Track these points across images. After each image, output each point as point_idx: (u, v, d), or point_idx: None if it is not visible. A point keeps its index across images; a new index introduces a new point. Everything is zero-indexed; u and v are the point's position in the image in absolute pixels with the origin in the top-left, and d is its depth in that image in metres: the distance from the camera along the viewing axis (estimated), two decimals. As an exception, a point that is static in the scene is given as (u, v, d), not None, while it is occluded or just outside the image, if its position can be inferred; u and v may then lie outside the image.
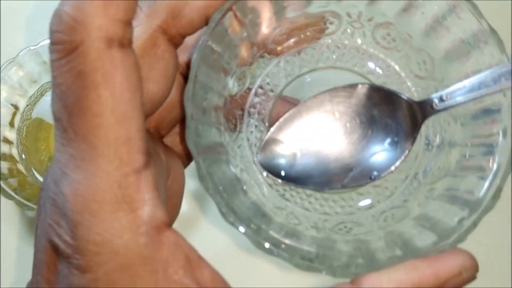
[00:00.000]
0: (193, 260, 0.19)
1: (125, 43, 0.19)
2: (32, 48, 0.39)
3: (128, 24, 0.19)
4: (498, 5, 0.43)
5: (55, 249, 0.19)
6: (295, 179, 0.26)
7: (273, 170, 0.26)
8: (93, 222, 0.18)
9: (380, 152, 0.26)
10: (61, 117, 0.18)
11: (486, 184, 0.22)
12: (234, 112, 0.27)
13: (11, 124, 0.39)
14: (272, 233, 0.22)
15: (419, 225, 0.24)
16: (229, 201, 0.22)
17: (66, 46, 0.18)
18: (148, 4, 0.22)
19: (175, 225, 0.40)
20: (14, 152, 0.39)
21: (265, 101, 0.28)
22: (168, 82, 0.23)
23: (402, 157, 0.26)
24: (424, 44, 0.26)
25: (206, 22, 0.23)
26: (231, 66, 0.26)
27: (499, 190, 0.22)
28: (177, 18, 0.22)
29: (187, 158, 0.26)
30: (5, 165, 0.38)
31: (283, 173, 0.26)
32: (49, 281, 0.19)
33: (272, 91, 0.28)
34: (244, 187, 0.25)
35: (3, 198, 0.37)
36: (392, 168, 0.26)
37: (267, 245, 0.21)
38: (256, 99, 0.28)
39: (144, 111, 0.22)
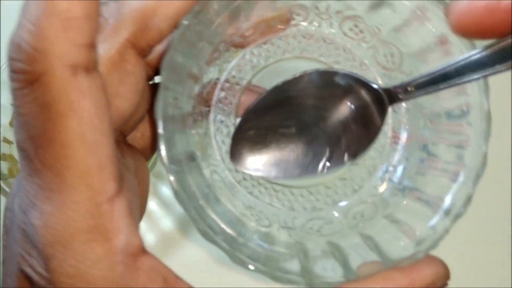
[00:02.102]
0: (170, 281, 0.18)
1: (91, 67, 0.17)
2: (32, 48, 0.39)
3: (91, 46, 0.17)
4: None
5: (28, 279, 0.18)
6: (268, 171, 0.25)
7: (244, 166, 0.25)
8: (66, 254, 0.17)
9: (350, 138, 0.25)
10: (27, 148, 0.17)
11: (455, 189, 0.21)
12: (200, 110, 0.26)
13: (11, 124, 0.38)
14: (250, 245, 0.21)
15: (390, 227, 0.23)
16: (204, 215, 0.21)
17: (27, 77, 0.16)
18: (115, 16, 0.20)
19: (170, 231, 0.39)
20: (14, 152, 0.38)
21: (231, 95, 0.26)
22: (138, 97, 0.21)
23: (374, 141, 0.24)
24: (392, 38, 0.25)
25: (175, 28, 0.21)
26: (201, 69, 0.25)
27: (469, 198, 0.21)
28: (145, 29, 0.20)
29: (150, 151, 0.24)
30: (5, 165, 0.37)
31: (255, 167, 0.25)
32: None
33: (238, 84, 0.26)
34: (216, 194, 0.24)
35: (3, 198, 0.36)
36: (364, 152, 0.25)
37: (249, 264, 0.20)
38: (222, 94, 0.26)
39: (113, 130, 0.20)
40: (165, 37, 0.21)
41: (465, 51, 0.22)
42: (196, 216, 0.20)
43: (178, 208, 0.42)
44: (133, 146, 0.24)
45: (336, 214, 0.26)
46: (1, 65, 0.38)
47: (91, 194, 0.17)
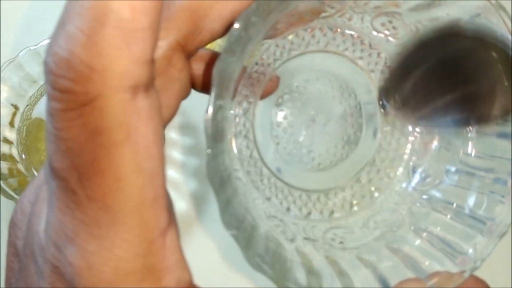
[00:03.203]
0: None
1: (149, 85, 0.14)
2: (32, 48, 0.37)
3: (152, 60, 0.14)
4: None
5: None
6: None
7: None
8: None
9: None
10: (68, 178, 0.14)
11: (501, 209, 0.20)
12: None
13: (11, 124, 0.38)
14: (293, 269, 0.19)
15: (423, 242, 0.22)
16: (253, 241, 0.19)
17: (77, 98, 0.13)
18: (164, 14, 0.17)
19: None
20: (14, 152, 0.37)
21: (251, 91, 0.25)
22: (179, 104, 0.19)
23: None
24: None
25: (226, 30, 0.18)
26: (240, 69, 0.23)
27: None
28: (196, 31, 0.18)
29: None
30: (5, 165, 0.36)
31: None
32: None
33: (259, 80, 0.25)
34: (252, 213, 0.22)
35: (3, 198, 0.35)
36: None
37: None
38: (244, 90, 0.25)
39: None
40: (215, 38, 0.18)
41: None
42: (246, 247, 0.18)
43: (178, 208, 0.42)
44: None
45: (355, 221, 0.24)
46: (1, 65, 0.38)
47: (144, 231, 0.15)
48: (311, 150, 0.26)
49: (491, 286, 0.41)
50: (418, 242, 0.22)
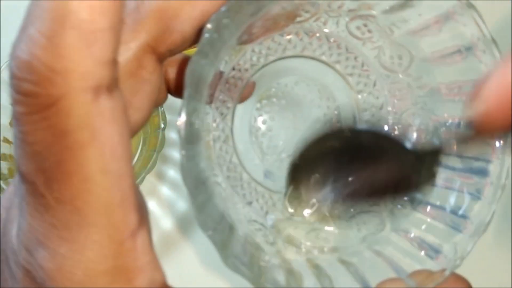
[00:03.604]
0: None
1: (113, 86, 0.14)
2: (32, 48, 0.39)
3: (115, 61, 0.14)
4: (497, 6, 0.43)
5: None
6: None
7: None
8: None
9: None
10: (36, 181, 0.14)
11: (479, 207, 0.20)
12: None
13: (11, 124, 0.38)
14: (271, 270, 0.20)
15: (405, 243, 0.22)
16: (230, 244, 0.19)
17: (40, 100, 0.13)
18: (133, 16, 0.17)
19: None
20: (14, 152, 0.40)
21: (228, 96, 0.25)
22: (152, 107, 0.19)
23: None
24: (406, 41, 0.23)
25: (200, 33, 0.18)
26: (215, 73, 0.23)
27: (492, 215, 0.20)
28: (167, 32, 0.18)
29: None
30: (5, 165, 0.36)
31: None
32: None
33: (236, 85, 0.25)
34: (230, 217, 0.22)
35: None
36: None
37: None
38: (221, 96, 0.25)
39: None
40: (188, 41, 0.18)
41: (491, 61, 0.20)
42: (222, 248, 0.18)
43: (178, 208, 0.42)
44: None
45: (336, 224, 0.24)
46: (1, 65, 0.38)
47: (114, 231, 0.15)
48: (291, 155, 0.25)
49: (491, 286, 0.41)
50: (399, 242, 0.22)
